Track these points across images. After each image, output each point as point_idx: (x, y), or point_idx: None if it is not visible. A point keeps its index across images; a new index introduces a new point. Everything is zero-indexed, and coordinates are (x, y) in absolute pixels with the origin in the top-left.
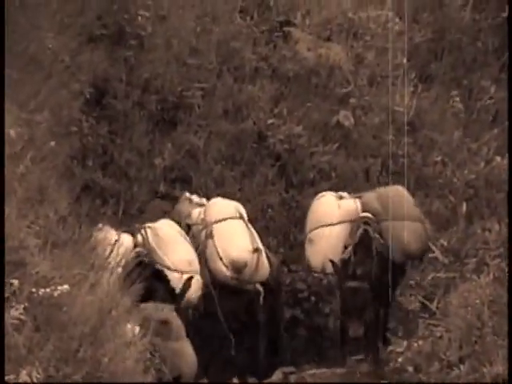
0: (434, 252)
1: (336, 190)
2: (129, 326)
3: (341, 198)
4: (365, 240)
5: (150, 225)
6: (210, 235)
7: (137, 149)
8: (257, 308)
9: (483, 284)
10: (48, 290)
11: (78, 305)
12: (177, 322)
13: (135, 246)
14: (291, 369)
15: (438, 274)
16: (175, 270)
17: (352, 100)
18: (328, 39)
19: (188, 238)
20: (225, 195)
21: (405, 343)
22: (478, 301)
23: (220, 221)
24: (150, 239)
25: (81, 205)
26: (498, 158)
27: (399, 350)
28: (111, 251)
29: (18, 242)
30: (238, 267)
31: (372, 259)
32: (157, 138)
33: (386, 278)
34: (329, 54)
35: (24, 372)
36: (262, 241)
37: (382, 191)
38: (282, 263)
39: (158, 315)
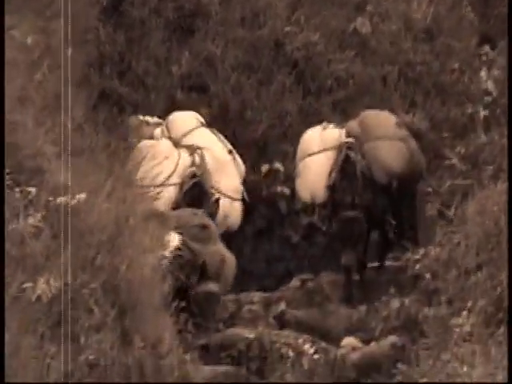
0: (451, 159)
1: (353, 98)
2: (171, 234)
3: (325, 128)
4: (348, 164)
5: (205, 146)
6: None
7: (154, 57)
8: None
9: (500, 191)
10: (65, 198)
11: (95, 213)
12: (213, 226)
13: (192, 164)
14: (309, 275)
15: (456, 181)
16: (225, 195)
17: (369, 7)
18: None
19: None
20: (242, 102)
21: (422, 250)
22: (495, 208)
23: (186, 134)
24: (208, 161)
25: (98, 113)
26: None
27: (417, 257)
28: (176, 165)
29: (35, 149)
30: None
31: (356, 183)
32: (174, 46)
33: (378, 201)
34: None
35: (41, 280)
36: (279, 148)
37: (364, 115)
38: None
39: (197, 220)
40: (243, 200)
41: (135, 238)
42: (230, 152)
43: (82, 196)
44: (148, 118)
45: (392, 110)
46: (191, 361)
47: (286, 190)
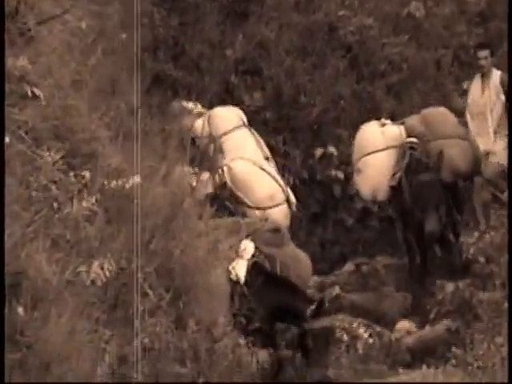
0: None
1: (407, 82)
2: (244, 242)
3: (383, 125)
4: (413, 165)
5: (226, 164)
6: (219, 149)
7: (208, 40)
8: None
9: None
10: (120, 181)
11: (149, 197)
12: (284, 227)
13: (215, 188)
14: (363, 259)
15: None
16: (256, 208)
17: None
18: None
19: (270, 168)
20: (296, 86)
21: (476, 234)
22: None
23: (226, 133)
24: (228, 181)
25: (152, 96)
26: None
27: (471, 240)
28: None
29: (90, 133)
30: None
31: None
32: (228, 30)
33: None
34: None
35: (96, 263)
36: (333, 132)
37: (424, 113)
38: None
39: (269, 225)
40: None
41: (189, 221)
42: (267, 159)
43: (137, 180)
44: (191, 106)
45: (446, 94)
46: (246, 344)
47: (340, 174)
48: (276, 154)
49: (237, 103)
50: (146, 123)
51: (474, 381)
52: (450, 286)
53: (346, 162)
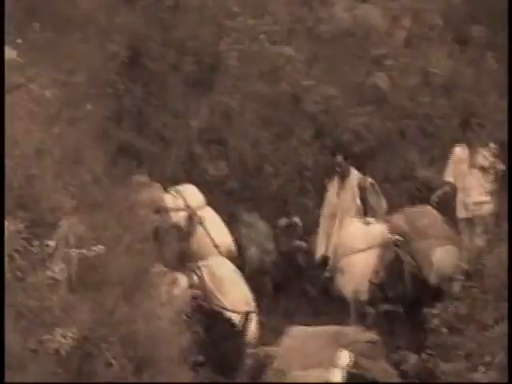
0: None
1: (371, 153)
2: (342, 351)
3: (368, 223)
4: (396, 263)
5: (205, 263)
6: (199, 221)
7: (172, 110)
8: None
9: None
10: (83, 250)
11: (113, 266)
12: (380, 341)
13: (191, 286)
14: None
15: (474, 237)
16: (232, 311)
17: (387, 61)
18: (364, 0)
19: (241, 275)
20: (260, 157)
21: (440, 305)
22: None
23: (202, 207)
24: (207, 280)
25: (116, 166)
26: None
27: (435, 311)
28: None
29: (54, 202)
30: (230, 254)
31: (404, 282)
32: (192, 100)
33: (422, 299)
34: (365, 16)
35: (59, 333)
36: (297, 202)
37: (409, 212)
38: None
39: (366, 336)
40: None
41: (153, 291)
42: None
43: (101, 248)
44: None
45: (411, 165)
46: None
47: (304, 244)
48: (240, 224)
49: (201, 173)
50: (110, 193)
51: None
52: (412, 357)
53: (310, 232)
